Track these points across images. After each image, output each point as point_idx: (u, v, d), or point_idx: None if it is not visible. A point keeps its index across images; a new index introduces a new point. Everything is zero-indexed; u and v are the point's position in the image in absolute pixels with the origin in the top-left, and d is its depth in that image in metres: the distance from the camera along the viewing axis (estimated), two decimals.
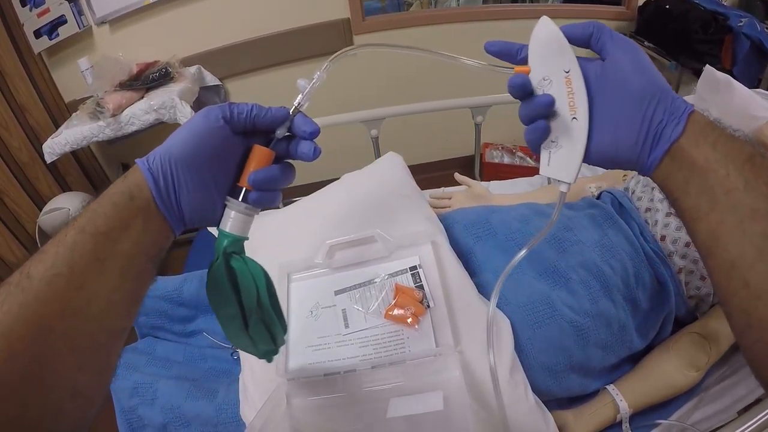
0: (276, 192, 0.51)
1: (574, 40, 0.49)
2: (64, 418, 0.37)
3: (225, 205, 0.49)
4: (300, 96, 0.50)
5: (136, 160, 0.45)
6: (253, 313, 0.52)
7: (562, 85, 0.48)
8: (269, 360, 0.59)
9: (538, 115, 0.49)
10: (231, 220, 0.49)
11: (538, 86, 0.50)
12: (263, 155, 0.48)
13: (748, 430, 0.63)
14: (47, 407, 0.36)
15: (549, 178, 1.45)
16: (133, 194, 0.43)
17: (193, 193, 0.46)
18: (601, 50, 0.48)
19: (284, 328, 0.58)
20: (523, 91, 0.50)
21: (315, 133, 0.49)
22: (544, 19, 0.50)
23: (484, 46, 0.51)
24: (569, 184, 0.51)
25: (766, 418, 0.65)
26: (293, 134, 0.50)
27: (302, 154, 0.50)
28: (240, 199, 0.48)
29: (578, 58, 0.48)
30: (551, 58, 0.49)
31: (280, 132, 0.49)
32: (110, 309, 0.41)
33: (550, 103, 0.49)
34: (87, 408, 0.40)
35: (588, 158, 0.49)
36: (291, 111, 0.49)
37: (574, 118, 0.48)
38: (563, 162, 0.50)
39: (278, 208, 0.51)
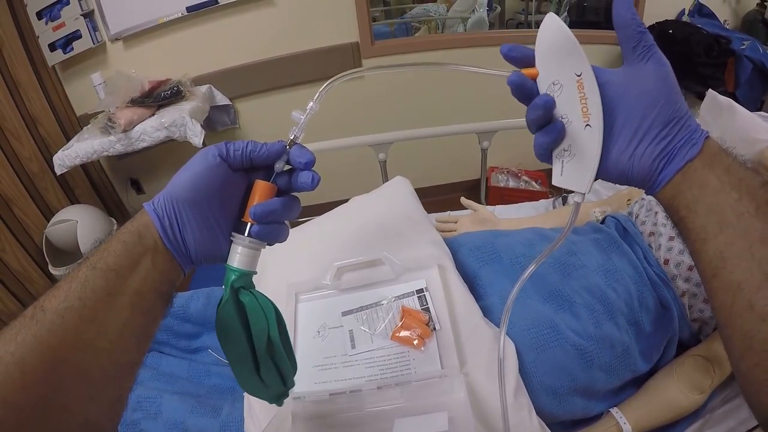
0: (281, 225, 0.51)
1: (620, 28, 0.46)
2: None
3: (231, 241, 0.50)
4: (295, 128, 0.50)
5: (143, 204, 0.47)
6: (263, 351, 0.52)
7: (574, 89, 0.45)
8: (279, 404, 0.58)
9: (538, 118, 0.47)
10: (237, 255, 0.49)
11: (549, 91, 0.47)
12: (264, 189, 0.49)
13: None
14: None
15: (554, 203, 1.49)
16: (141, 234, 0.45)
17: (197, 230, 0.47)
18: (636, 57, 0.46)
19: (294, 367, 0.57)
20: (522, 92, 0.48)
21: (310, 163, 0.50)
22: (551, 16, 0.47)
23: (500, 50, 0.49)
24: (583, 194, 0.49)
25: None
26: (292, 166, 0.51)
27: (302, 185, 0.50)
28: (245, 234, 0.49)
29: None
30: (560, 60, 0.46)
31: (279, 166, 0.49)
32: (121, 343, 0.42)
33: (548, 103, 0.46)
34: None
35: (602, 170, 0.47)
36: (287, 144, 0.50)
37: (587, 125, 0.46)
38: (577, 171, 0.47)
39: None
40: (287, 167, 0.51)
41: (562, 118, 0.47)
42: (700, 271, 0.45)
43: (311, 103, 0.51)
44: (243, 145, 0.48)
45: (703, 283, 0.46)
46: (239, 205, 0.50)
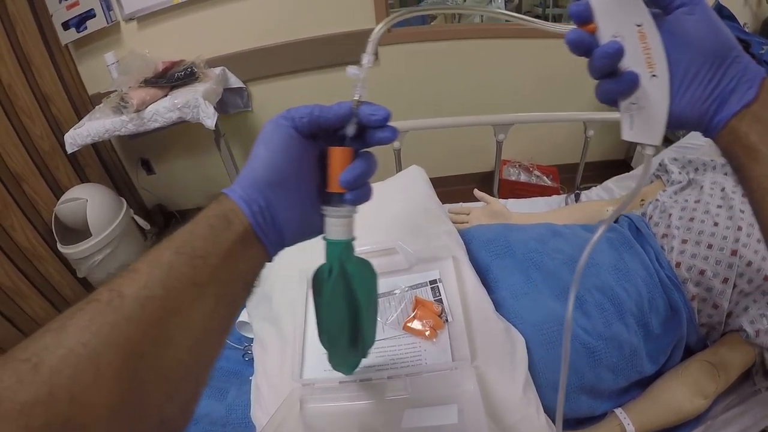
0: (368, 185, 0.49)
1: None
2: None
3: (322, 215, 0.48)
4: (357, 87, 0.47)
5: (222, 191, 0.43)
6: (365, 316, 0.53)
7: (636, 40, 0.44)
8: (351, 373, 0.62)
9: (605, 66, 0.45)
10: (336, 227, 0.48)
11: None
12: (344, 155, 0.46)
13: None
14: None
15: (566, 199, 1.48)
16: (229, 219, 0.41)
17: (289, 211, 0.45)
18: (670, 2, 0.44)
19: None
20: (581, 46, 0.46)
21: (386, 118, 0.46)
22: None
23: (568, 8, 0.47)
24: (656, 147, 0.47)
25: None
26: (363, 125, 0.47)
27: (380, 139, 0.47)
28: (336, 203, 0.47)
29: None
30: (619, 12, 0.45)
31: (351, 129, 0.46)
32: (205, 337, 0.38)
33: (618, 51, 0.44)
34: None
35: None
36: (353, 104, 0.46)
37: (653, 75, 0.44)
38: (646, 124, 0.46)
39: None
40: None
41: (627, 70, 0.46)
42: (761, 222, 0.45)
43: (366, 56, 0.48)
44: (308, 110, 0.46)
45: (763, 236, 0.46)
46: (317, 175, 0.48)
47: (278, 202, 0.44)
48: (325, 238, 0.49)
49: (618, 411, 0.84)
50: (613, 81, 0.46)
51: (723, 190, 1.01)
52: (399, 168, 1.49)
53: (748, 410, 0.91)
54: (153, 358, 0.34)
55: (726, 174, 1.10)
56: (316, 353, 0.77)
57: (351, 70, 0.48)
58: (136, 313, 0.33)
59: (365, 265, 0.52)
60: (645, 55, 0.44)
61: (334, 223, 0.47)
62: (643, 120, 0.46)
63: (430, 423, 0.62)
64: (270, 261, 0.45)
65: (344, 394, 0.70)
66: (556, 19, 2.93)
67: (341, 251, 0.49)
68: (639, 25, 0.44)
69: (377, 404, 0.68)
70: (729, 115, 0.43)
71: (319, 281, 0.52)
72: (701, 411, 0.86)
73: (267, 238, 0.43)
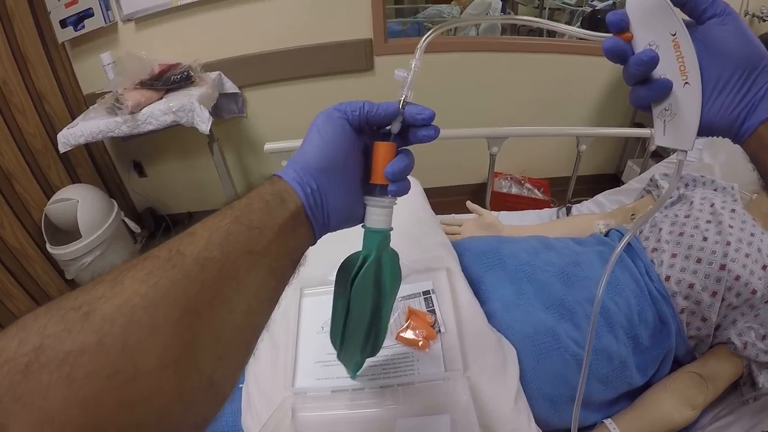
0: (408, 180, 0.52)
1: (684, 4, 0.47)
2: (193, 410, 0.34)
3: (365, 205, 0.52)
4: (403, 88, 0.51)
5: (275, 174, 0.46)
6: (387, 308, 0.56)
7: (670, 49, 0.46)
8: (354, 377, 0.64)
9: (640, 73, 0.47)
10: (377, 216, 0.51)
11: None
12: (390, 149, 0.50)
13: None
14: (180, 395, 0.32)
15: (558, 212, 1.50)
16: (283, 198, 0.43)
17: (337, 197, 0.47)
18: (703, 13, 0.46)
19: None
20: (617, 54, 0.48)
21: (431, 117, 0.50)
22: None
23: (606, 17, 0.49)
24: (686, 152, 0.49)
25: None
26: (408, 124, 0.51)
27: (424, 137, 0.51)
28: (379, 194, 0.51)
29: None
30: (654, 21, 0.46)
31: (396, 127, 0.50)
32: (257, 305, 0.39)
33: (654, 58, 0.46)
34: (216, 403, 0.37)
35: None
36: (400, 104, 0.50)
37: (686, 83, 0.46)
38: (679, 130, 0.48)
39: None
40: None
41: (661, 77, 0.48)
42: None
43: (414, 61, 0.52)
44: (359, 105, 0.49)
45: None
46: (361, 167, 0.51)
47: (328, 188, 0.46)
48: (365, 227, 0.52)
49: (608, 421, 0.85)
50: (647, 87, 0.48)
51: (712, 205, 1.03)
52: None
53: (736, 421, 0.92)
54: (209, 319, 0.34)
55: (716, 190, 1.12)
56: (310, 363, 0.77)
57: (399, 73, 0.51)
58: (195, 272, 0.34)
59: (397, 259, 0.56)
60: (678, 63, 0.46)
61: (375, 212, 0.51)
62: (675, 126, 0.48)
63: None
64: (314, 243, 0.47)
65: (337, 402, 0.70)
66: (551, 34, 2.97)
67: (380, 240, 0.52)
68: (673, 35, 0.46)
69: (370, 414, 0.68)
70: (757, 122, 0.45)
71: (349, 268, 0.54)
72: (690, 422, 0.88)
73: (316, 220, 0.45)
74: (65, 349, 0.27)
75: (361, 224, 0.53)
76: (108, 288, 0.31)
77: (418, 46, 0.52)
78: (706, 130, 0.47)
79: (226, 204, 0.41)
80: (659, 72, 0.47)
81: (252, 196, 0.42)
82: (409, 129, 0.51)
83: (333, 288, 0.86)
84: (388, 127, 0.51)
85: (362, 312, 0.56)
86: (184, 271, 0.34)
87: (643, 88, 0.48)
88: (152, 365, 0.30)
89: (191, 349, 0.33)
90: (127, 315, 0.30)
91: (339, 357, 0.65)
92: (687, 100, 0.46)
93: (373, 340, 0.62)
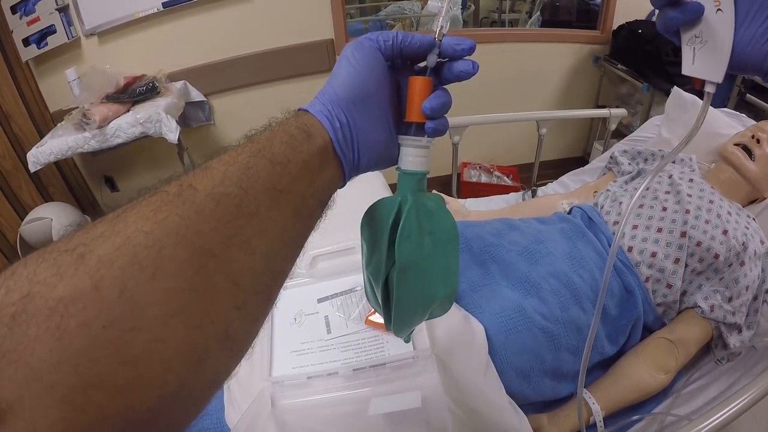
0: (445, 119, 0.46)
1: None
2: (206, 366, 0.29)
3: (399, 145, 0.46)
4: (439, 18, 0.45)
5: (301, 108, 0.41)
6: (454, 253, 0.49)
7: None
8: (408, 340, 0.56)
9: None
10: (413, 157, 0.45)
11: None
12: (426, 84, 0.45)
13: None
14: (192, 348, 0.28)
15: (524, 195, 1.53)
16: (310, 132, 0.38)
17: (369, 133, 0.42)
18: None
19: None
20: None
21: (471, 48, 0.44)
22: None
23: None
24: (716, 84, 0.46)
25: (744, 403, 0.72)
26: (444, 58, 0.45)
27: (461, 72, 0.45)
28: (414, 133, 0.45)
29: None
30: None
31: (432, 59, 0.44)
32: (281, 249, 0.34)
33: None
34: (232, 359, 0.32)
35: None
36: (435, 35, 0.45)
37: (718, 9, 0.43)
38: (709, 59, 0.45)
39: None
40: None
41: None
42: None
43: None
44: (393, 35, 0.43)
45: None
46: (394, 104, 0.45)
47: (359, 121, 0.41)
48: (399, 169, 0.46)
49: (583, 391, 0.88)
50: (678, 10, 0.44)
51: (670, 177, 1.07)
52: None
53: (711, 383, 0.96)
54: (224, 261, 0.29)
55: (674, 162, 1.16)
56: (285, 353, 0.79)
57: (433, 2, 0.47)
58: (209, 207, 0.29)
59: (440, 200, 0.49)
60: None
61: (411, 152, 0.45)
62: (705, 55, 0.45)
63: (395, 408, 0.65)
64: (343, 185, 0.42)
65: (313, 389, 0.72)
66: (513, 24, 3.01)
67: (416, 183, 0.46)
68: None
69: (345, 396, 0.70)
70: None
71: (383, 216, 0.46)
72: (664, 385, 0.91)
73: (345, 157, 0.40)
74: (55, 296, 0.24)
75: (395, 167, 0.47)
76: (109, 226, 0.27)
77: None
78: (737, 62, 0.43)
79: (246, 137, 0.37)
80: None
81: (275, 129, 0.37)
82: (444, 66, 0.46)
83: (303, 280, 0.89)
84: (421, 64, 0.46)
85: (419, 259, 0.46)
86: (195, 206, 0.29)
87: (673, 10, 0.44)
88: (156, 315, 0.26)
89: (203, 297, 0.28)
90: (128, 255, 0.26)
91: (393, 323, 0.50)
92: (719, 27, 0.43)
93: (446, 285, 0.50)
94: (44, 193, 2.24)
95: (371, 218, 0.47)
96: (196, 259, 0.28)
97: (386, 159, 0.46)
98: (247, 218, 0.31)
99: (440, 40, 0.44)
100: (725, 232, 0.94)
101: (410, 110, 0.45)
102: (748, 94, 1.91)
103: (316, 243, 0.89)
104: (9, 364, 0.22)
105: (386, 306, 0.48)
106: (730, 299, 0.92)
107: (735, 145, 1.12)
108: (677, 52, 0.47)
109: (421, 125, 0.45)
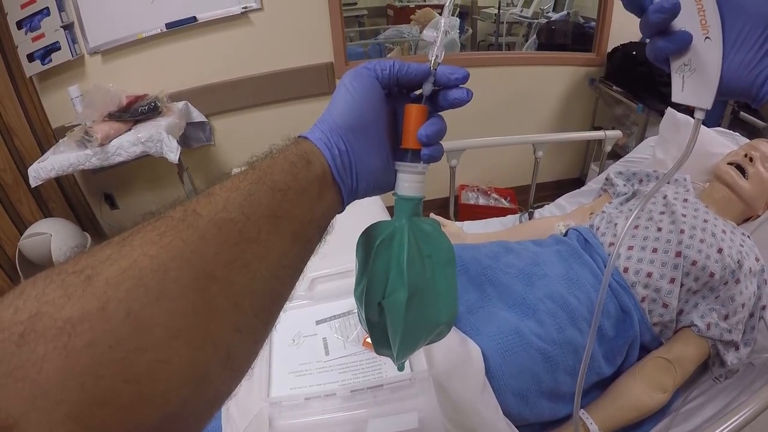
0: (440, 145, 0.47)
1: None
2: (208, 385, 0.30)
3: (395, 171, 0.47)
4: (434, 48, 0.46)
5: (301, 135, 0.42)
6: (451, 278, 0.48)
7: (692, 1, 0.44)
8: (401, 368, 0.56)
9: (661, 22, 0.44)
10: (408, 183, 0.47)
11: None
12: (422, 112, 0.46)
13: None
14: (194, 368, 0.29)
15: (520, 218, 1.55)
16: (309, 159, 0.39)
17: (367, 160, 0.43)
18: None
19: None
20: (634, 2, 0.45)
21: (465, 78, 0.46)
22: None
23: None
24: (705, 110, 0.46)
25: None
26: (439, 86, 0.47)
27: (456, 100, 0.46)
28: (411, 159, 0.46)
29: None
30: None
31: (428, 88, 0.46)
32: (280, 273, 0.35)
33: (676, 6, 0.43)
34: (233, 380, 0.33)
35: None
36: (431, 65, 0.46)
37: (707, 38, 0.43)
38: (698, 86, 0.45)
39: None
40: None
41: (680, 29, 0.46)
42: None
43: (443, 19, 0.48)
44: (390, 64, 0.45)
45: None
46: (391, 131, 0.47)
47: (357, 149, 0.42)
48: (395, 194, 0.48)
49: (581, 412, 0.88)
50: (666, 39, 0.45)
51: (665, 197, 1.08)
52: None
53: (709, 401, 0.96)
54: (226, 284, 0.31)
55: (668, 183, 1.18)
56: (283, 374, 0.79)
57: (428, 32, 0.48)
58: (212, 233, 0.31)
59: (436, 225, 0.49)
60: (699, 16, 0.44)
61: (407, 178, 0.47)
62: (694, 82, 0.46)
63: (392, 430, 0.65)
64: (342, 210, 0.44)
65: (311, 409, 0.72)
66: (510, 47, 3.06)
67: (412, 208, 0.47)
68: None
69: (342, 417, 0.70)
70: None
71: (376, 239, 0.47)
72: (662, 404, 0.91)
73: (343, 184, 0.42)
74: (63, 316, 0.24)
75: (391, 192, 0.48)
76: (115, 249, 0.28)
77: (446, 5, 0.48)
78: (725, 90, 0.44)
79: (248, 164, 0.38)
80: (679, 24, 0.45)
81: (276, 156, 0.38)
82: (439, 93, 0.47)
83: (302, 302, 0.90)
84: (417, 92, 0.47)
85: (418, 282, 0.46)
86: (199, 231, 0.30)
87: (661, 39, 0.46)
88: (160, 336, 0.27)
89: (205, 318, 0.29)
90: (134, 279, 0.27)
91: (386, 348, 0.51)
92: (707, 55, 0.44)
93: (444, 308, 0.49)
94: (44, 209, 2.24)
95: (366, 240, 0.48)
96: (199, 282, 0.29)
97: (384, 184, 0.47)
98: (248, 243, 0.32)
99: (435, 69, 0.46)
100: (720, 250, 0.95)
101: (406, 137, 0.46)
102: (741, 112, 1.93)
103: (315, 265, 0.88)
104: (17, 381, 0.23)
105: (373, 329, 0.49)
106: (726, 317, 0.93)
107: (728, 164, 1.14)
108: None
109: (417, 152, 0.46)
